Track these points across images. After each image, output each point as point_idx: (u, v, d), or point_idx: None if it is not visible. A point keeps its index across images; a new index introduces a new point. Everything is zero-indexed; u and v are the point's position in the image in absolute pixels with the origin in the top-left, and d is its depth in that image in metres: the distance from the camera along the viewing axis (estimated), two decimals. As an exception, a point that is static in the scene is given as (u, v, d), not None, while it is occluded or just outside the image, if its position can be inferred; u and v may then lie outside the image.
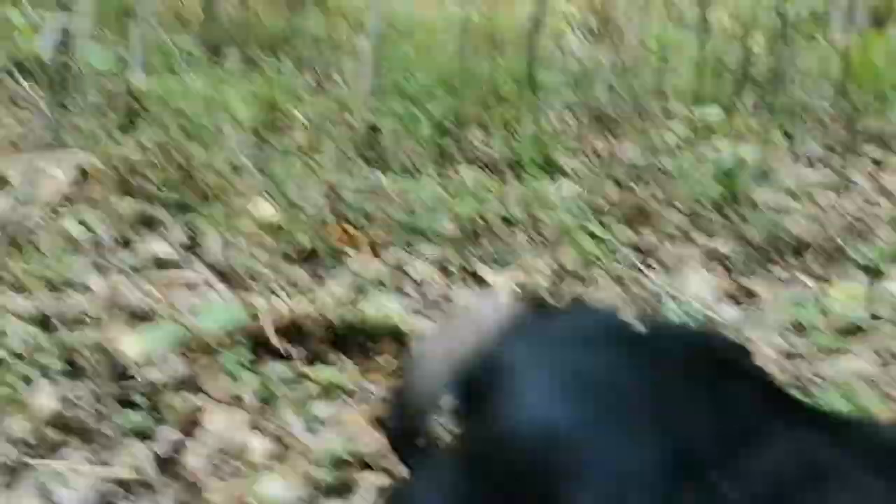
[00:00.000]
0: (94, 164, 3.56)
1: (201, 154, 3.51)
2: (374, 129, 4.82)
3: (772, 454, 0.60)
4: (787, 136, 5.60)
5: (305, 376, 2.43)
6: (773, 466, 0.60)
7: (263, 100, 4.31)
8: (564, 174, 4.71)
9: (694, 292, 3.35)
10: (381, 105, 5.05)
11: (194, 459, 2.04)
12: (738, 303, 3.29)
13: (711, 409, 0.62)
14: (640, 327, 0.71)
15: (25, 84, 4.33)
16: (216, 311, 2.34)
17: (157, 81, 3.78)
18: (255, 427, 2.21)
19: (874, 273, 3.14)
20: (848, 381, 2.60)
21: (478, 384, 0.68)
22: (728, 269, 3.56)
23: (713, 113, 4.21)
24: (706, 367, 0.66)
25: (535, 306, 0.77)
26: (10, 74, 4.51)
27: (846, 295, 3.06)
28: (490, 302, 0.75)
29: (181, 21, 7.25)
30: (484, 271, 3.29)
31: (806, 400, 0.70)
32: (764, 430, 0.63)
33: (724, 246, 3.77)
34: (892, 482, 0.64)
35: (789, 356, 2.81)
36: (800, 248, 3.72)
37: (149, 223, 3.30)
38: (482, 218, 3.97)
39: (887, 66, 6.59)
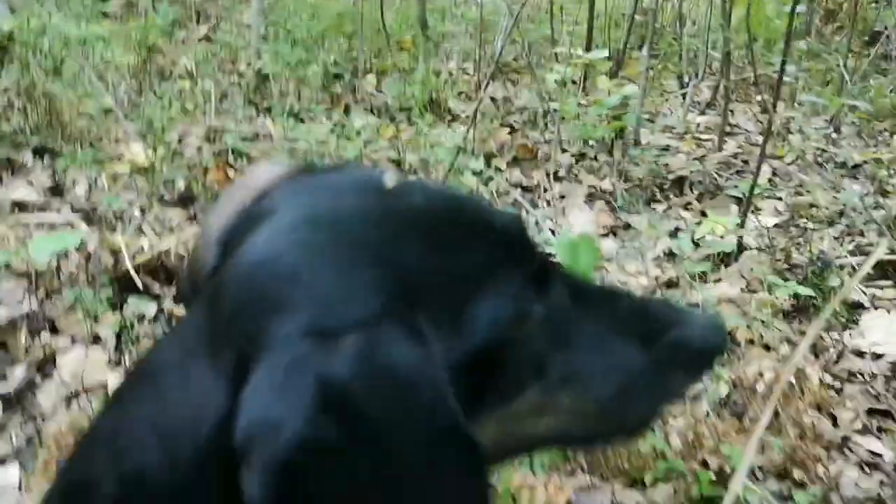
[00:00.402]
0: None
1: (71, 97, 3.35)
2: (262, 75, 4.71)
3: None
4: (679, 81, 5.71)
5: (173, 314, 2.36)
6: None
7: (143, 44, 4.13)
8: (457, 119, 4.69)
9: (578, 228, 3.39)
10: (271, 51, 4.92)
11: (45, 398, 1.96)
12: (618, 237, 3.34)
13: (434, 251, 0.61)
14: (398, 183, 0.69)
15: None
16: (49, 240, 2.20)
17: (23, 22, 3.57)
18: (116, 365, 2.14)
19: (748, 206, 3.22)
20: (715, 305, 2.67)
21: (233, 239, 0.66)
22: (611, 206, 3.61)
23: (601, 57, 4.24)
24: (438, 217, 0.64)
25: (309, 168, 0.73)
26: None
27: (718, 227, 3.14)
28: (267, 168, 0.72)
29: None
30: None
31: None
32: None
33: (608, 184, 3.82)
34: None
35: (664, 284, 2.87)
36: (681, 185, 3.80)
37: (12, 167, 3.14)
38: (371, 160, 3.93)
39: (777, 16, 6.76)
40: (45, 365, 2.08)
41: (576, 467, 1.92)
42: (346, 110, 4.70)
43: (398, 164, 3.95)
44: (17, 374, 2.02)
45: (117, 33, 4.26)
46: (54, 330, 2.22)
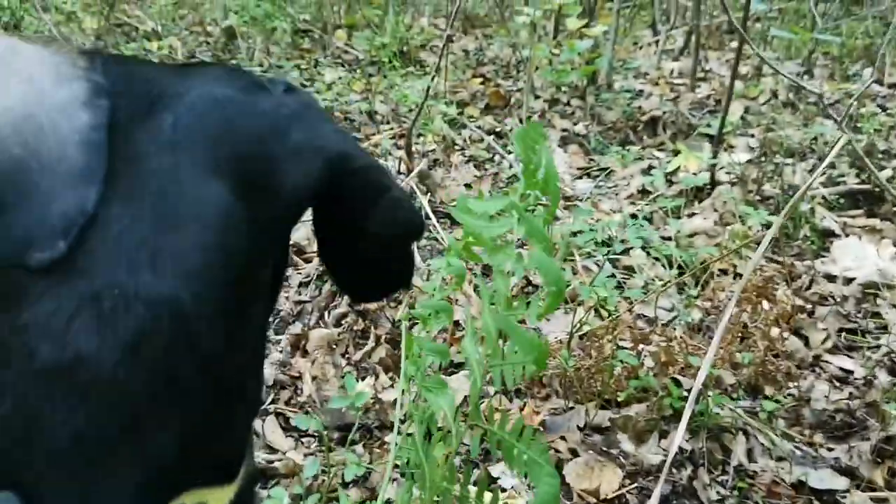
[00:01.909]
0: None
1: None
2: (229, 32, 4.65)
3: None
4: (653, 30, 5.68)
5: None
6: None
7: (105, 1, 4.05)
8: (428, 73, 4.65)
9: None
10: (238, 6, 4.85)
11: None
12: (592, 178, 3.34)
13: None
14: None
15: None
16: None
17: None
18: None
19: (720, 143, 3.21)
20: (688, 238, 2.68)
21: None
22: (585, 149, 3.60)
23: (571, 1, 4.21)
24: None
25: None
26: None
27: (691, 162, 3.14)
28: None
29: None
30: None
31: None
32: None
33: (581, 128, 3.81)
34: None
35: (639, 219, 2.87)
36: (654, 126, 3.79)
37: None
38: (343, 113, 3.90)
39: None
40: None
41: (550, 392, 1.93)
42: (317, 65, 4.65)
43: (370, 114, 3.93)
44: None
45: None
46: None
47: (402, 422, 1.54)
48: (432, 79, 3.08)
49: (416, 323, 1.25)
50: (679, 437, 1.32)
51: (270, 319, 2.26)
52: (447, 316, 1.20)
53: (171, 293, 0.54)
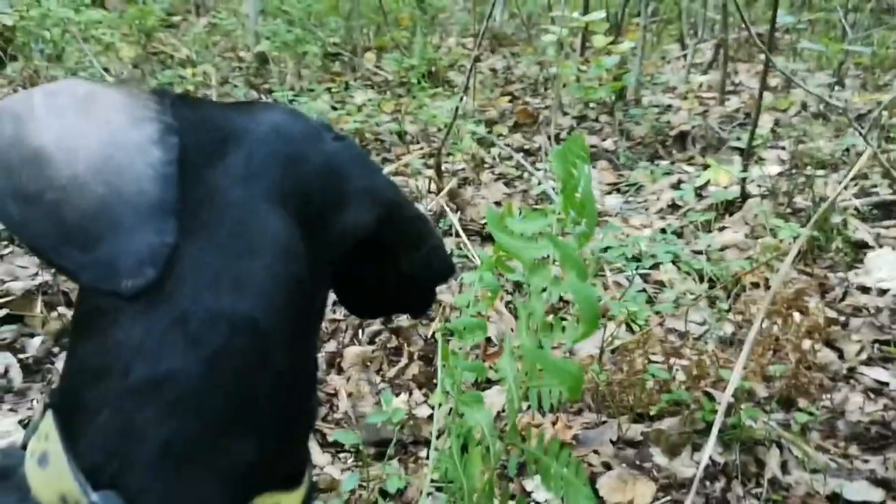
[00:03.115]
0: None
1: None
2: (262, 57, 4.74)
3: None
4: (681, 44, 5.70)
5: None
6: None
7: (142, 30, 4.16)
8: (456, 90, 4.70)
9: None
10: (269, 33, 4.94)
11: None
12: (621, 193, 3.36)
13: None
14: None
15: None
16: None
17: (24, 12, 3.60)
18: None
19: (750, 156, 3.22)
20: (719, 252, 2.68)
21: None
22: (614, 165, 3.62)
23: (598, 18, 4.24)
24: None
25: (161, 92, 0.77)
26: None
27: (721, 176, 3.15)
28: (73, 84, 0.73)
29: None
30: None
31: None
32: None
33: (610, 143, 3.83)
34: None
35: (668, 233, 2.88)
36: (683, 141, 3.80)
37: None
38: (373, 133, 3.95)
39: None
40: (63, 335, 2.12)
41: (583, 407, 1.95)
42: (347, 87, 4.72)
43: (400, 134, 3.98)
44: (35, 343, 2.07)
45: (116, 20, 4.28)
46: (70, 304, 2.26)
47: (439, 435, 1.57)
48: (460, 99, 3.13)
49: (451, 337, 1.28)
50: (709, 449, 1.33)
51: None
52: (481, 332, 1.23)
53: (250, 314, 0.61)
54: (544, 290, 1.02)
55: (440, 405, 1.26)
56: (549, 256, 1.04)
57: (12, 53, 3.49)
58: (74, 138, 0.62)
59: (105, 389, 0.59)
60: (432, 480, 1.35)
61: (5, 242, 2.40)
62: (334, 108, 4.15)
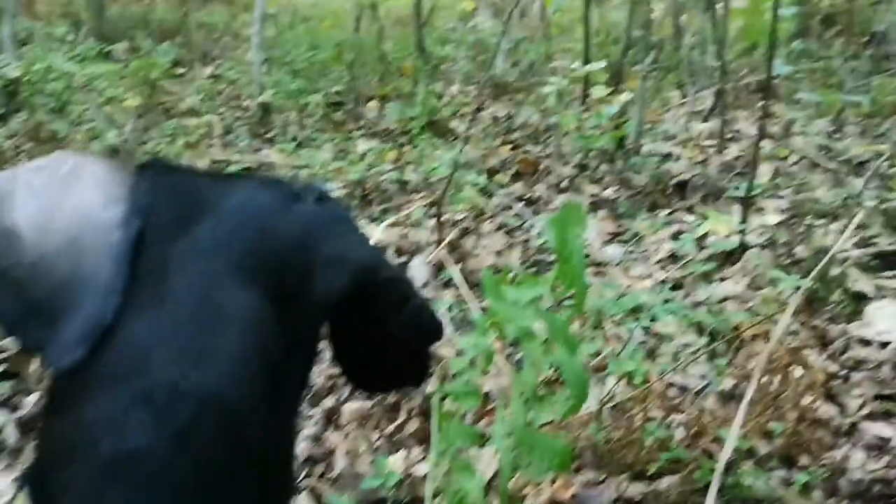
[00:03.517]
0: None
1: (74, 135, 3.43)
2: (265, 107, 4.79)
3: None
4: (681, 91, 5.74)
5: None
6: None
7: (146, 82, 4.22)
8: (458, 139, 4.74)
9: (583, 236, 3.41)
10: (272, 83, 5.01)
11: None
12: (622, 242, 3.36)
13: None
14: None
15: None
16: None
17: (29, 66, 3.66)
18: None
19: (749, 206, 3.22)
20: (719, 304, 2.68)
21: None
22: (614, 214, 3.63)
23: (598, 68, 4.29)
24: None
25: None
26: None
27: (721, 226, 3.15)
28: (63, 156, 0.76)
29: (71, 16, 7.11)
30: (368, 227, 3.29)
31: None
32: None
33: (610, 192, 3.84)
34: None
35: (667, 285, 2.87)
36: (683, 190, 3.81)
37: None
38: (375, 184, 3.98)
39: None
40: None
41: (583, 464, 1.93)
42: (349, 138, 4.76)
43: (401, 183, 4.00)
44: (31, 400, 2.06)
45: (120, 73, 4.35)
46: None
47: (435, 496, 1.55)
48: (459, 150, 3.15)
49: (447, 398, 1.27)
50: (708, 512, 1.31)
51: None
52: (475, 399, 1.22)
53: (217, 389, 0.61)
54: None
55: (436, 466, 1.25)
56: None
57: (15, 107, 3.53)
58: (48, 220, 0.65)
59: (75, 468, 0.59)
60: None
61: None
62: (335, 159, 4.18)
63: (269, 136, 4.64)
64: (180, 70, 5.65)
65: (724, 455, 1.34)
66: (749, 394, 1.05)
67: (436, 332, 0.81)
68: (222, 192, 0.71)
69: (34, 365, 2.15)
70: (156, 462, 0.58)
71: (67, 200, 0.67)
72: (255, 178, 0.77)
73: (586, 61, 5.17)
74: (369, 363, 0.83)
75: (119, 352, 0.61)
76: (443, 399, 1.34)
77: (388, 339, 0.78)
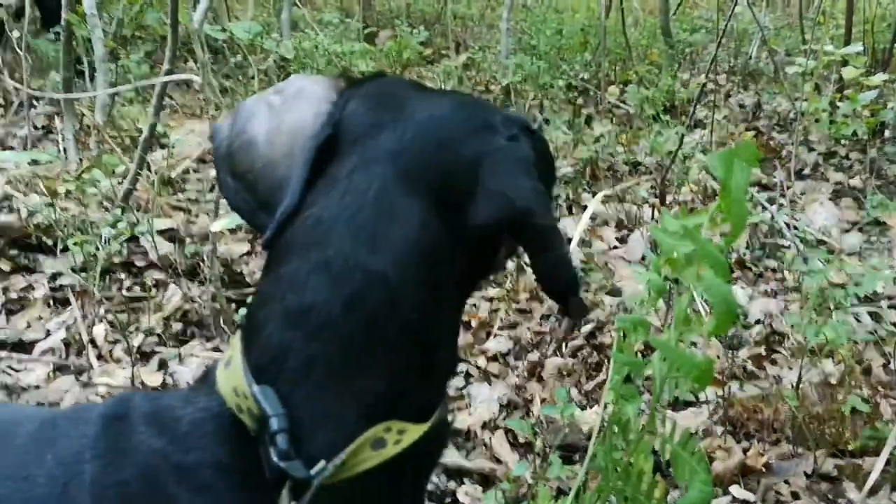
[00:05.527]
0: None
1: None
2: (507, 89, 4.95)
3: None
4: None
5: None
6: None
7: (398, 61, 4.52)
8: (699, 125, 4.63)
9: (821, 224, 3.24)
10: (517, 68, 5.16)
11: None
12: (864, 232, 3.16)
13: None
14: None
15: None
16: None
17: (298, 44, 4.08)
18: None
19: None
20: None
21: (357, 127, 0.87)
22: (859, 203, 3.41)
23: (855, 52, 3.99)
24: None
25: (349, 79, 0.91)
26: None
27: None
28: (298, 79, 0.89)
29: (343, 9, 7.76)
30: (588, 200, 3.34)
31: None
32: None
33: (858, 181, 3.61)
34: None
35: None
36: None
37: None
38: (607, 162, 4.01)
39: None
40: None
41: (781, 437, 1.88)
42: (588, 120, 4.81)
43: (635, 165, 4.02)
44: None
45: (375, 52, 4.69)
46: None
47: (600, 431, 1.61)
48: (686, 127, 3.11)
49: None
50: None
51: (507, 341, 2.43)
52: (644, 330, 1.27)
53: (382, 269, 0.74)
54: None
55: (606, 406, 1.31)
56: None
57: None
58: (275, 133, 0.83)
59: (269, 311, 0.75)
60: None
61: None
62: (571, 139, 4.25)
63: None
64: (432, 56, 5.99)
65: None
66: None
67: (571, 287, 0.87)
68: (420, 103, 0.83)
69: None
70: (327, 316, 0.73)
71: (289, 116, 0.83)
72: (459, 97, 0.86)
73: (847, 43, 4.85)
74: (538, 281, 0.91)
75: (309, 228, 0.76)
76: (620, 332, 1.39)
77: (537, 275, 0.86)
